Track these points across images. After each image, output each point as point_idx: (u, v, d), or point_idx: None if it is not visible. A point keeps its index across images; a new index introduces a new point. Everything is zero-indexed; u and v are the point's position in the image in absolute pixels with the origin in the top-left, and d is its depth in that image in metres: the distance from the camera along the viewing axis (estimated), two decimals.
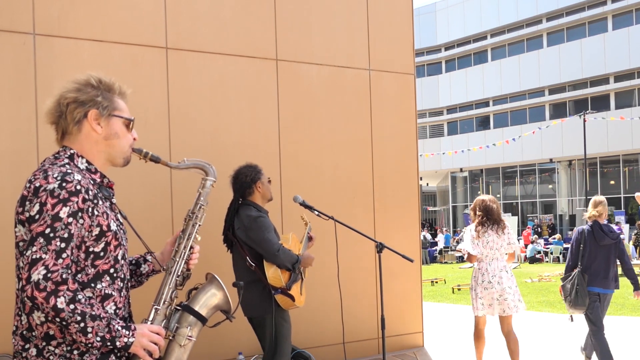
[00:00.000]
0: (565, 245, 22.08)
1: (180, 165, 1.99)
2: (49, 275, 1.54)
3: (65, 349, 1.63)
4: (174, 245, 1.98)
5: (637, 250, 18.58)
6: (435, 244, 24.55)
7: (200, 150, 4.81)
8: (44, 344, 1.62)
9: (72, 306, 1.55)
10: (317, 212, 3.87)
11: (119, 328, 1.64)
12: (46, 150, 4.32)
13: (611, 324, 7.92)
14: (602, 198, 5.24)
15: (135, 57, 4.66)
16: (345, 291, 4.25)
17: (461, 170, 35.57)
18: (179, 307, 1.88)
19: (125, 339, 1.65)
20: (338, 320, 4.37)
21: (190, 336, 1.85)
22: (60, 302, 1.54)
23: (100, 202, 1.71)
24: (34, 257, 1.55)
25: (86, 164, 1.77)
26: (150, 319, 1.82)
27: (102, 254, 1.70)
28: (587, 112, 25.05)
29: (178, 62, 4.83)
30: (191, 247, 1.95)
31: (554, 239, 23.25)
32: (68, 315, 1.55)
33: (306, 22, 5.49)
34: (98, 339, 1.59)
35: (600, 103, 29.83)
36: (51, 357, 1.62)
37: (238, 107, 5.10)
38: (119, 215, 1.86)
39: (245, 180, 3.73)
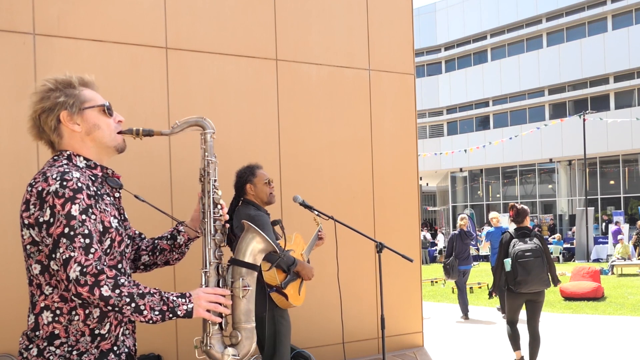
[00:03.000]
0: (565, 245, 22.10)
1: (175, 129, 1.96)
2: (84, 270, 1.55)
3: (66, 349, 1.64)
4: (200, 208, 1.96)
5: (637, 250, 18.59)
6: (435, 244, 24.55)
7: (200, 150, 4.81)
8: (45, 344, 1.63)
9: (117, 291, 1.57)
10: (317, 212, 3.86)
11: (174, 298, 1.65)
12: (46, 150, 4.32)
13: (611, 323, 7.94)
14: (465, 215, 9.13)
15: (135, 57, 4.66)
16: (345, 291, 4.25)
17: (461, 170, 35.58)
18: (228, 264, 1.88)
19: (185, 307, 1.66)
20: (338, 320, 4.37)
21: (245, 286, 1.84)
22: (105, 291, 1.56)
23: (100, 199, 1.71)
24: (64, 257, 1.56)
25: (85, 162, 1.77)
26: (203, 283, 1.82)
27: (108, 250, 1.71)
28: (587, 112, 25.04)
29: (178, 62, 4.83)
30: (216, 204, 1.91)
31: (554, 238, 23.25)
32: (117, 300, 1.57)
33: (306, 22, 5.49)
34: (156, 312, 1.61)
35: (600, 103, 29.83)
36: (51, 357, 1.63)
37: (238, 107, 5.10)
38: (124, 209, 1.86)
39: (238, 181, 3.80)
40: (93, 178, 1.75)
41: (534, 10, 32.17)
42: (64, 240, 1.57)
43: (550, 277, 5.03)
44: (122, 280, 1.59)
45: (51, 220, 1.58)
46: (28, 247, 1.65)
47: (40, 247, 1.63)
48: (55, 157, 1.76)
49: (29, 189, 1.64)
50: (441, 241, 24.56)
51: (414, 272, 5.96)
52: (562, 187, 32.70)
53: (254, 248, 1.91)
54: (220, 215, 1.90)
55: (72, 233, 1.57)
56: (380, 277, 3.73)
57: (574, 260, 20.39)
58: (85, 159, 1.77)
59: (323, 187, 5.42)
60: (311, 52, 5.49)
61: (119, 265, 1.74)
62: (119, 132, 1.83)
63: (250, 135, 5.14)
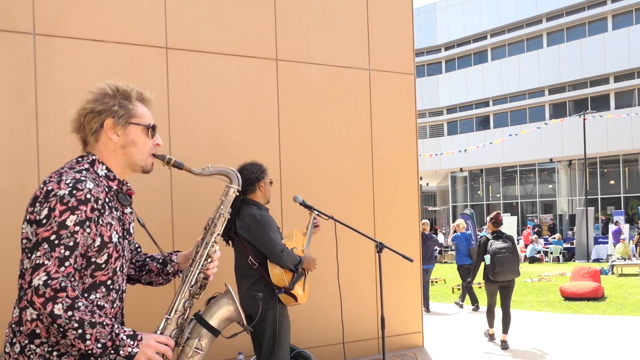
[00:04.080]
0: (565, 245, 22.09)
1: (204, 172, 1.93)
2: (49, 282, 1.54)
3: (46, 349, 1.63)
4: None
5: (637, 250, 18.61)
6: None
7: (200, 150, 4.81)
8: (26, 341, 1.63)
9: (69, 313, 1.55)
10: (317, 212, 3.87)
11: (124, 337, 1.62)
12: (46, 150, 4.34)
13: (611, 323, 7.94)
14: (426, 220, 10.19)
15: (135, 57, 4.66)
16: (345, 291, 4.25)
17: (461, 170, 35.58)
18: (192, 317, 1.85)
19: (129, 349, 1.62)
20: (338, 320, 4.37)
21: (197, 348, 1.80)
22: (58, 309, 1.54)
23: (107, 212, 1.70)
24: (37, 262, 1.56)
25: (105, 171, 1.77)
26: (160, 328, 1.80)
27: (103, 265, 1.70)
28: (587, 112, 25.04)
29: (178, 62, 4.83)
30: (209, 257, 1.91)
31: (554, 238, 23.25)
32: (65, 322, 1.55)
33: (306, 22, 5.49)
34: (99, 345, 1.58)
35: (600, 103, 29.83)
36: (32, 356, 1.63)
37: (238, 107, 5.10)
38: (131, 224, 1.85)
39: (250, 177, 3.68)
40: (107, 189, 1.75)
41: (534, 10, 32.17)
42: (46, 246, 1.56)
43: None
44: (79, 304, 1.57)
45: (44, 221, 1.58)
46: (24, 241, 1.65)
47: None
48: (79, 159, 1.77)
49: (42, 186, 1.64)
50: (441, 241, 24.47)
51: (414, 272, 5.96)
52: (562, 187, 32.70)
53: (223, 314, 1.89)
54: (207, 269, 1.90)
55: (56, 242, 1.57)
56: (380, 277, 3.73)
57: (574, 260, 20.39)
58: (107, 168, 1.78)
59: (323, 187, 5.42)
60: (311, 52, 5.49)
61: (109, 282, 1.72)
62: (153, 155, 1.84)
63: (251, 135, 5.14)
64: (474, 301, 9.58)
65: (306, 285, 3.83)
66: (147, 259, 2.01)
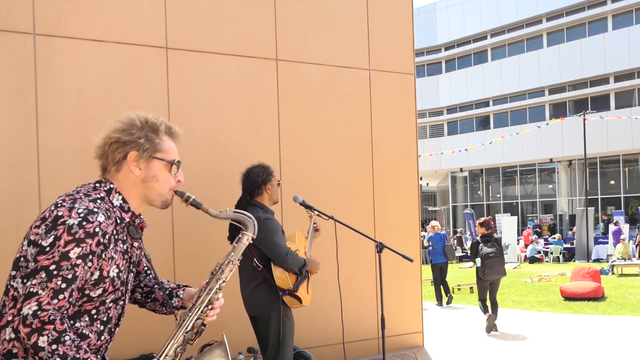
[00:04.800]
0: (565, 245, 22.08)
1: (220, 215, 1.88)
2: (38, 312, 1.50)
3: None
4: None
5: (638, 250, 18.61)
6: None
7: (200, 150, 4.81)
8: None
9: (53, 346, 1.51)
10: (317, 212, 3.87)
11: None
12: (46, 150, 4.34)
13: (611, 323, 7.94)
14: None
15: (135, 57, 4.66)
16: (345, 291, 4.25)
17: (461, 170, 35.58)
18: None
19: None
20: (338, 320, 4.37)
21: None
22: (42, 341, 1.50)
23: (112, 246, 1.66)
24: (31, 290, 1.51)
25: (121, 201, 1.74)
26: None
27: (95, 298, 1.66)
28: (587, 112, 25.03)
29: (178, 62, 4.83)
30: (210, 303, 1.85)
31: (554, 238, 23.25)
32: (47, 355, 1.51)
33: (306, 22, 5.49)
34: None
35: (600, 103, 29.84)
36: None
37: (238, 107, 5.10)
38: (139, 256, 1.81)
39: (256, 180, 3.71)
40: (119, 220, 1.71)
41: (534, 10, 32.17)
42: (43, 275, 1.52)
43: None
44: (65, 338, 1.52)
45: (47, 249, 1.53)
46: (21, 259, 1.59)
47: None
48: (96, 185, 1.72)
49: (52, 207, 1.59)
50: None
51: (414, 272, 5.96)
52: (562, 187, 32.70)
53: None
54: (207, 316, 1.84)
55: (55, 272, 1.52)
56: (380, 277, 3.73)
57: (574, 260, 20.39)
58: (123, 199, 1.74)
59: (323, 187, 5.42)
60: (311, 52, 5.49)
61: (93, 311, 1.68)
62: (174, 191, 1.82)
63: (251, 135, 5.14)
64: (439, 298, 10.56)
65: (309, 287, 3.83)
66: (155, 287, 1.97)
